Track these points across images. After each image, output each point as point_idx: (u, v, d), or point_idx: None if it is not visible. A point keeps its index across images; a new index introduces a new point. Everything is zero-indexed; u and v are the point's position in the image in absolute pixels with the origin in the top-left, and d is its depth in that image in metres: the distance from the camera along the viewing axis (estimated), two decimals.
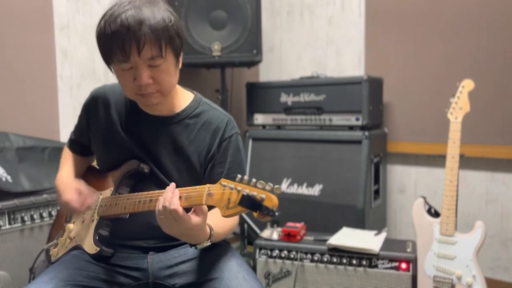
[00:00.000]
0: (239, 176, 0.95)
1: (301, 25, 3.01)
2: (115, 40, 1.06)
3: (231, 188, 0.93)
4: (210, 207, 1.14)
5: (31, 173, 1.88)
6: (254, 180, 0.92)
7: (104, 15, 1.10)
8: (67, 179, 1.30)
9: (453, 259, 1.89)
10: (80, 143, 1.40)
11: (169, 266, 1.22)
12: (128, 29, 1.04)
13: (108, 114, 1.27)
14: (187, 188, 1.03)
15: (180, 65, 1.20)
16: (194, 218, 1.00)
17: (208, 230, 1.08)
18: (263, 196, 0.87)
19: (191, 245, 1.08)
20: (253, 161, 2.59)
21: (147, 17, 1.06)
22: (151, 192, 1.11)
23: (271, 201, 0.87)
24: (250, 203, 0.88)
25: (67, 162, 1.39)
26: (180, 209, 0.99)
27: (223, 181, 0.96)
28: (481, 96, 2.20)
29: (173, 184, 1.05)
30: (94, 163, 1.42)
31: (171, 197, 1.00)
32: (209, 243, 1.08)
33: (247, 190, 0.90)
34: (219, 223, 1.14)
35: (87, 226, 1.24)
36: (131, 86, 1.13)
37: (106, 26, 1.07)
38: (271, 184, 0.89)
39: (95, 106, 1.30)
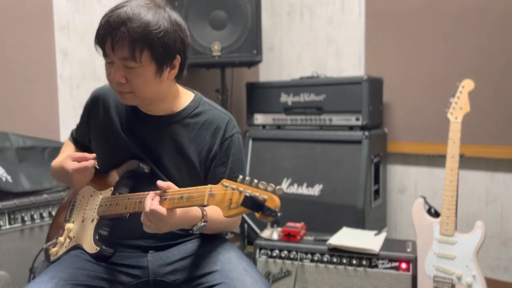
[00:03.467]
0: (240, 176, 0.95)
1: (301, 25, 3.01)
2: (98, 33, 1.10)
3: (233, 189, 0.93)
4: None
5: (31, 173, 1.88)
6: (256, 181, 0.92)
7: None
8: (58, 159, 1.29)
9: (453, 259, 1.89)
10: (81, 141, 1.40)
11: (169, 263, 1.22)
12: (109, 25, 1.07)
13: (108, 114, 1.28)
14: (189, 188, 1.03)
15: (170, 76, 1.18)
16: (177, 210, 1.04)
17: (199, 211, 1.10)
18: (265, 197, 0.87)
19: (189, 230, 1.10)
20: (253, 161, 2.59)
21: (133, 17, 1.07)
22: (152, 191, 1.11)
23: (273, 202, 0.87)
24: (252, 204, 0.89)
25: (65, 151, 1.39)
26: (159, 208, 1.01)
27: (225, 182, 0.96)
28: (481, 96, 2.20)
29: (152, 193, 1.07)
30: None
31: (149, 203, 1.03)
32: (204, 224, 1.09)
33: (249, 191, 0.90)
34: (214, 210, 1.14)
35: (87, 225, 1.24)
36: (109, 81, 1.16)
37: (101, 18, 1.10)
38: (273, 185, 0.89)
39: (95, 106, 1.30)
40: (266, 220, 0.89)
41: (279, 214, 0.87)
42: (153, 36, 1.08)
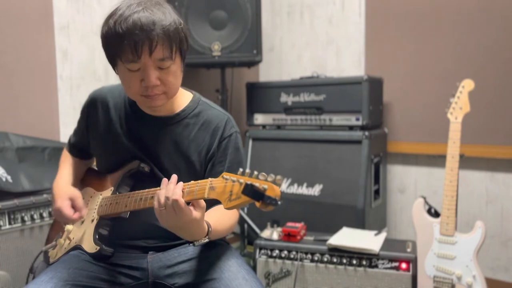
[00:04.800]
0: (240, 169, 0.95)
1: (301, 25, 3.01)
2: (126, 38, 1.05)
3: (233, 181, 0.93)
4: (212, 205, 1.15)
5: (31, 173, 1.88)
6: (256, 172, 0.92)
7: (112, 15, 1.09)
8: (62, 185, 1.29)
9: (453, 259, 1.89)
10: (79, 146, 1.39)
11: (169, 266, 1.22)
12: (141, 29, 1.05)
13: (108, 116, 1.27)
14: (190, 182, 1.03)
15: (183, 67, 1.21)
16: (193, 212, 1.01)
17: (206, 226, 1.07)
18: (265, 186, 0.88)
19: (189, 242, 1.07)
20: (253, 161, 2.59)
21: (159, 18, 1.07)
22: (152, 189, 1.11)
23: (274, 191, 0.87)
24: (252, 193, 0.89)
25: (65, 166, 1.38)
26: (182, 200, 0.98)
27: (225, 175, 0.96)
28: (481, 96, 2.20)
29: (174, 176, 1.04)
30: (94, 164, 1.42)
31: (173, 188, 1.00)
32: (206, 240, 1.07)
33: (249, 181, 0.90)
34: (219, 221, 1.14)
35: (87, 226, 1.24)
36: (137, 88, 1.12)
37: (117, 25, 1.06)
38: (273, 175, 0.89)
39: (94, 109, 1.30)
40: (266, 209, 0.89)
41: (279, 203, 0.87)
42: (180, 31, 1.11)
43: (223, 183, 0.95)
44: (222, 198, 0.95)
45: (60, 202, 1.22)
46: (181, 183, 1.02)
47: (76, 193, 1.25)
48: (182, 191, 1.01)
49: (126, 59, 1.08)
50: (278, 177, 0.89)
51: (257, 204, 0.88)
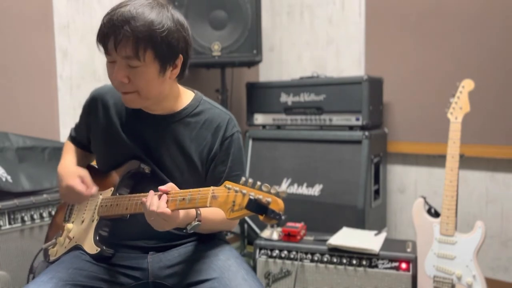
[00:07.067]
0: (243, 178, 0.95)
1: (301, 25, 3.01)
2: (100, 31, 1.10)
3: (236, 191, 0.93)
4: None
5: (31, 173, 1.88)
6: (259, 183, 0.91)
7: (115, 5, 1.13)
8: (69, 166, 1.29)
9: (453, 259, 1.89)
10: (80, 140, 1.40)
11: (169, 266, 1.22)
12: (112, 24, 1.07)
13: (108, 114, 1.27)
14: (191, 190, 1.03)
15: (172, 75, 1.18)
16: (181, 213, 1.04)
17: (194, 210, 1.10)
18: (269, 199, 0.87)
19: (182, 229, 1.10)
20: (253, 161, 2.59)
21: (137, 16, 1.07)
22: None
23: (277, 205, 0.87)
24: (256, 207, 0.88)
25: (69, 152, 1.38)
26: (168, 211, 1.01)
27: (228, 184, 0.96)
28: (481, 96, 2.19)
29: (170, 185, 1.07)
30: (94, 163, 1.42)
31: (158, 201, 1.03)
32: (197, 223, 1.09)
33: (253, 194, 0.89)
34: (207, 210, 1.15)
35: (87, 226, 1.24)
36: (110, 80, 1.15)
37: (104, 17, 1.10)
38: (276, 188, 0.89)
39: (94, 107, 1.30)
40: (270, 222, 0.89)
41: (283, 217, 0.86)
42: (156, 35, 1.08)
43: (226, 193, 0.95)
44: (224, 208, 0.94)
45: (71, 180, 1.20)
46: (164, 196, 1.04)
47: (84, 171, 1.24)
48: (183, 199, 1.02)
49: (104, 51, 1.12)
50: (282, 190, 0.89)
51: (261, 217, 0.88)
